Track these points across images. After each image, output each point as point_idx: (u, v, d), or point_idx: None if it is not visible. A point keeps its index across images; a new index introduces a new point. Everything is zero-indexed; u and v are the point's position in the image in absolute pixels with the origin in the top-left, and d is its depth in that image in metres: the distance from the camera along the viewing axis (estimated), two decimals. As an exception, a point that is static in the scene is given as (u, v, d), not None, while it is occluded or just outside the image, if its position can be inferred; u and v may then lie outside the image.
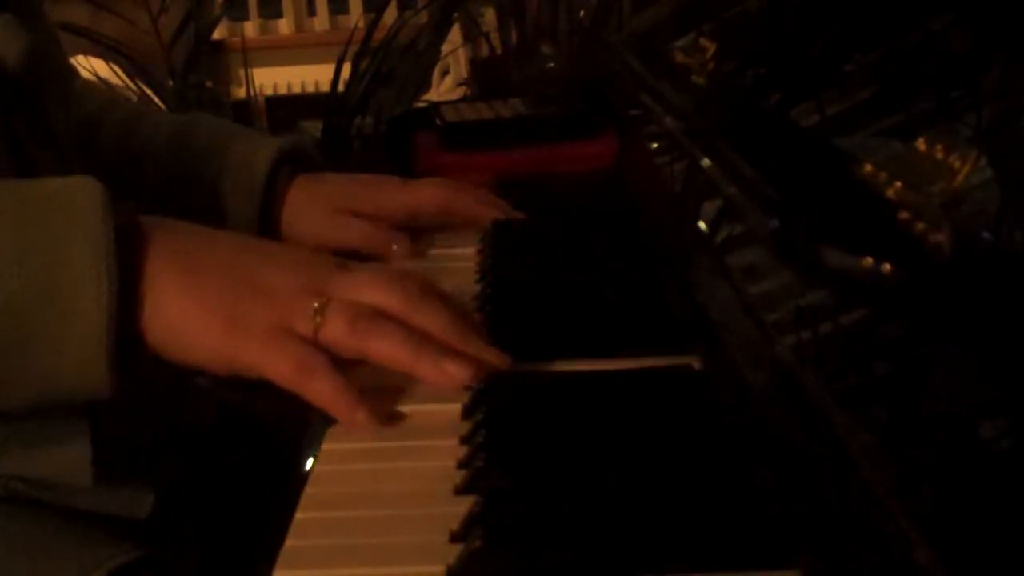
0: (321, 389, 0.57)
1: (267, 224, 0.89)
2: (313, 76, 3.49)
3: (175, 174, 0.90)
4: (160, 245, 0.60)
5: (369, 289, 0.60)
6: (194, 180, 0.89)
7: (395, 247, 0.86)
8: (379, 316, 0.59)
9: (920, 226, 0.42)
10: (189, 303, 0.59)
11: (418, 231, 0.90)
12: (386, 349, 0.58)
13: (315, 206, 0.89)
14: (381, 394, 0.59)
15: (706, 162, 0.62)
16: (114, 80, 2.44)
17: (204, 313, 0.59)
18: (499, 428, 0.55)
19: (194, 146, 0.90)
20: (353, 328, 0.58)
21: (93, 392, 0.58)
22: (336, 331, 0.58)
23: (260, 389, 0.83)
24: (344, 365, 0.58)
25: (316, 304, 0.58)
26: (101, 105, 0.95)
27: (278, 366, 0.58)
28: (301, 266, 0.61)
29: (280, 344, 0.58)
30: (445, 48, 2.75)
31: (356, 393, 0.57)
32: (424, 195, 0.90)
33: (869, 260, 0.40)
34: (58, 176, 0.70)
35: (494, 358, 0.60)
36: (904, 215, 0.44)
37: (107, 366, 0.57)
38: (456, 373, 0.58)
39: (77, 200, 0.58)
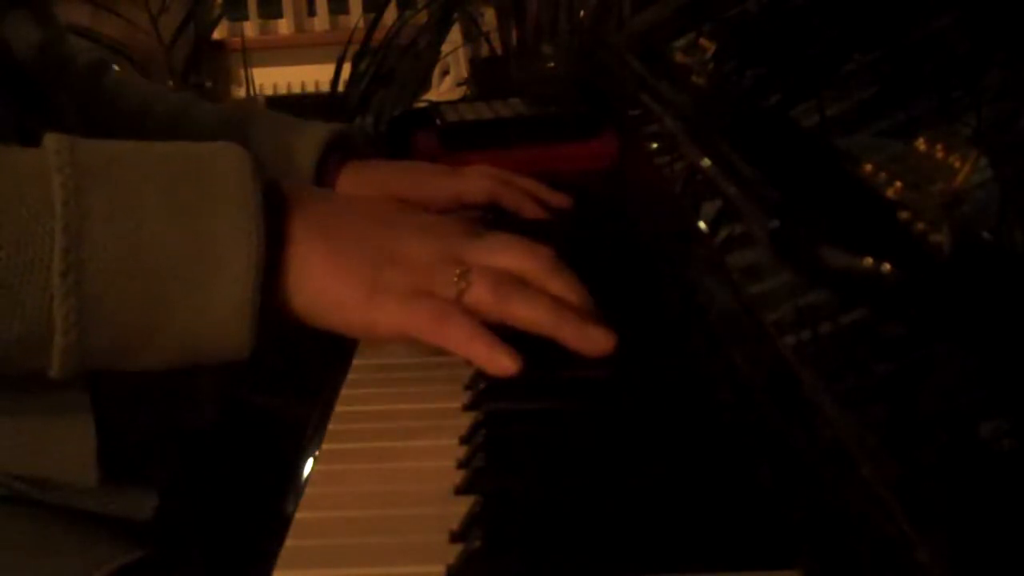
0: (458, 334, 0.58)
1: None
2: (313, 76, 3.50)
3: None
4: (302, 211, 0.60)
5: (506, 255, 0.61)
6: None
7: None
8: (520, 282, 0.60)
9: (920, 226, 0.42)
10: (333, 270, 0.60)
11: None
12: (530, 313, 0.59)
13: (365, 192, 0.89)
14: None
15: (706, 162, 0.62)
16: (114, 80, 2.44)
17: (347, 280, 0.59)
18: (499, 428, 0.55)
19: (245, 135, 0.90)
20: (497, 294, 0.59)
21: (233, 352, 0.58)
22: (480, 295, 0.59)
23: (260, 388, 0.83)
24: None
25: (459, 271, 0.59)
26: (147, 97, 0.95)
27: (416, 318, 0.59)
28: (437, 234, 0.62)
29: (420, 301, 0.59)
30: (445, 48, 2.75)
31: (497, 339, 0.58)
32: (473, 184, 0.90)
33: (869, 260, 0.40)
34: None
35: (604, 334, 0.61)
36: (904, 215, 0.44)
37: (249, 328, 0.57)
38: (599, 338, 0.59)
39: (227, 163, 0.59)
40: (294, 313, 0.60)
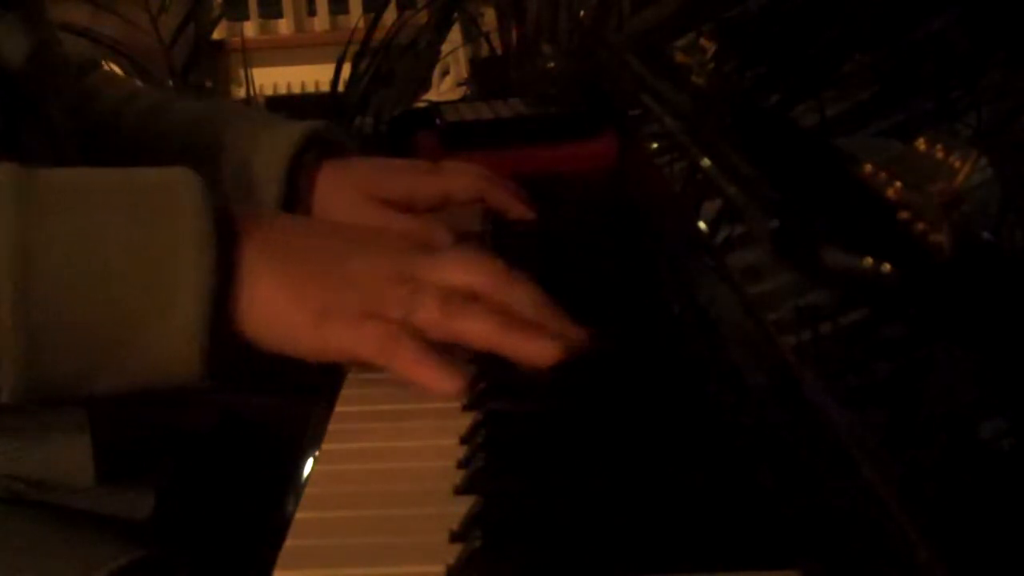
0: (407, 357, 0.58)
1: (290, 206, 0.85)
2: (313, 76, 3.49)
3: (199, 160, 0.89)
4: (253, 237, 0.60)
5: (456, 269, 0.61)
6: (217, 168, 0.87)
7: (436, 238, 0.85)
8: (469, 298, 0.60)
9: (920, 226, 0.42)
10: (284, 295, 0.60)
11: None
12: (477, 329, 0.59)
13: (345, 194, 0.86)
14: (380, 393, 0.59)
15: (706, 162, 0.62)
16: (114, 80, 2.44)
17: (298, 304, 0.59)
18: (499, 428, 0.55)
19: (217, 134, 0.88)
20: (446, 313, 0.59)
21: (185, 382, 0.59)
22: (428, 315, 0.59)
23: (260, 389, 0.83)
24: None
25: (407, 290, 0.59)
26: (123, 96, 0.95)
27: (364, 342, 0.59)
28: (388, 251, 0.62)
29: (369, 325, 0.59)
30: (445, 48, 2.75)
31: (445, 361, 0.58)
32: (459, 182, 0.88)
33: (869, 260, 0.40)
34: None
35: (576, 334, 0.60)
36: (904, 215, 0.44)
37: (201, 357, 0.57)
38: (546, 349, 0.59)
39: (179, 192, 0.59)
40: (247, 339, 0.60)
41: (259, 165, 0.85)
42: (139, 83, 2.44)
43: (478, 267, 0.61)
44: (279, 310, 0.59)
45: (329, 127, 0.90)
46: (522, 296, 0.61)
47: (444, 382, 0.58)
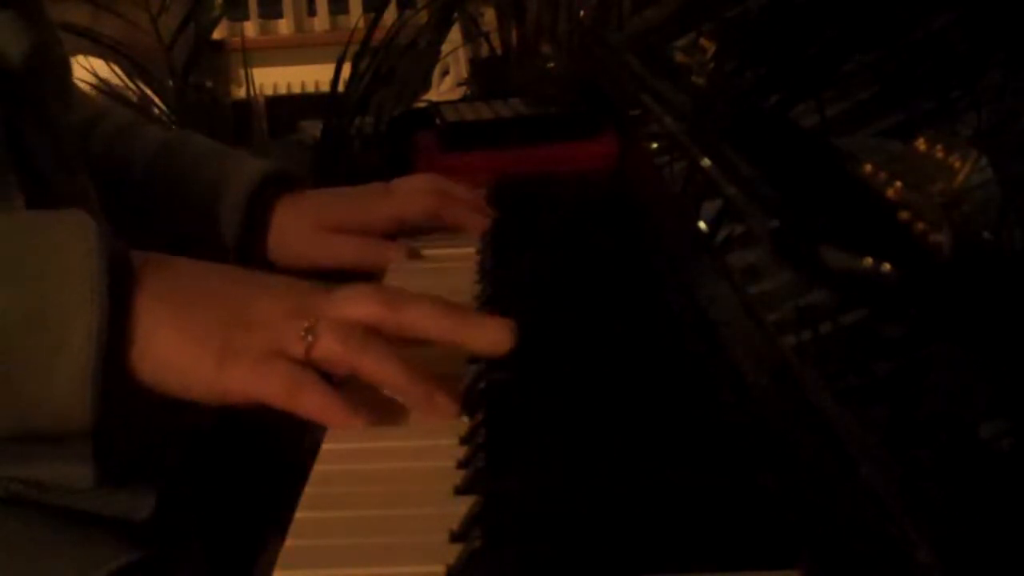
0: (312, 401, 0.57)
1: (251, 247, 0.89)
2: (313, 76, 3.49)
3: (160, 193, 0.90)
4: (151, 282, 0.60)
5: (353, 304, 0.60)
6: (178, 200, 0.90)
7: (392, 255, 0.86)
8: (371, 334, 0.59)
9: (920, 226, 0.42)
10: (179, 338, 0.59)
11: (412, 232, 0.90)
12: (379, 370, 0.58)
13: (301, 225, 0.89)
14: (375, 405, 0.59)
15: (706, 162, 0.62)
16: (114, 80, 2.44)
17: (195, 347, 0.59)
18: (499, 428, 0.55)
19: (180, 166, 0.91)
20: (346, 346, 0.58)
21: (74, 426, 0.58)
22: (328, 348, 0.58)
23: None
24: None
25: (306, 324, 0.58)
26: (91, 116, 0.95)
27: (268, 387, 0.58)
28: (288, 292, 0.61)
29: (270, 366, 0.58)
30: (445, 48, 2.75)
31: (349, 401, 0.57)
32: (410, 203, 0.89)
33: (869, 260, 0.40)
34: (60, 174, 0.70)
35: (495, 328, 0.60)
36: (904, 215, 0.44)
37: (90, 403, 0.57)
38: (444, 406, 0.58)
39: (72, 235, 0.59)
40: (144, 383, 0.60)
41: (221, 202, 0.88)
42: (140, 88, 2.45)
43: (372, 297, 0.60)
44: (178, 352, 0.59)
45: (285, 166, 0.93)
46: (422, 311, 0.60)
47: (355, 422, 0.57)
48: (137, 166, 0.91)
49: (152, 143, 0.93)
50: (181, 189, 0.89)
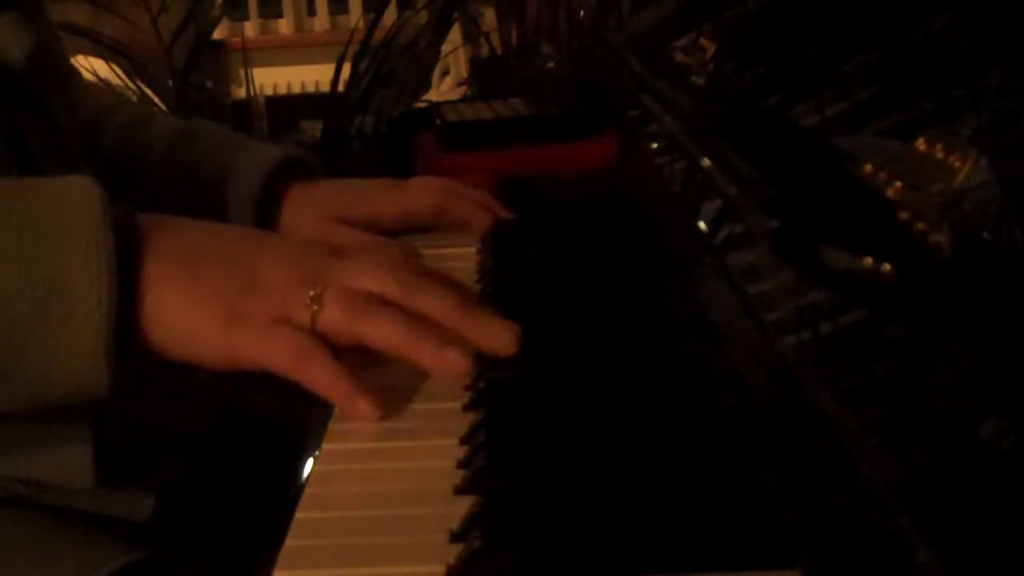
0: (319, 376, 0.57)
1: (263, 228, 0.88)
2: (313, 76, 3.50)
3: (174, 183, 0.90)
4: (157, 245, 0.60)
5: (365, 275, 0.60)
6: (192, 189, 0.89)
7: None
8: (376, 302, 0.58)
9: (920, 226, 0.42)
10: (188, 301, 0.59)
11: (416, 231, 0.90)
12: (384, 334, 0.58)
13: (309, 215, 0.89)
14: (381, 392, 0.59)
15: (706, 162, 0.62)
16: (114, 80, 2.44)
17: (203, 310, 0.58)
18: (499, 428, 0.55)
19: (194, 154, 0.90)
20: (350, 315, 0.58)
21: (90, 394, 0.58)
22: (333, 318, 0.58)
23: (260, 388, 0.83)
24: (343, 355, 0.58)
25: (312, 293, 0.58)
26: (103, 108, 0.95)
27: (276, 355, 0.57)
28: (297, 256, 0.61)
29: (277, 334, 0.58)
30: (445, 48, 2.75)
31: (356, 380, 0.57)
32: (417, 198, 0.90)
33: (869, 260, 0.40)
34: (62, 174, 0.70)
35: (502, 330, 0.60)
36: (904, 215, 0.44)
37: (105, 369, 0.57)
38: (456, 360, 0.57)
39: (75, 201, 0.58)
40: (153, 348, 0.59)
41: (234, 190, 0.87)
42: (140, 88, 2.44)
43: (387, 272, 0.60)
44: (185, 316, 0.58)
45: (302, 152, 0.93)
46: (435, 300, 0.59)
47: (360, 405, 0.56)
48: (149, 159, 0.91)
49: (164, 135, 0.92)
50: (193, 182, 0.89)
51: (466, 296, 0.61)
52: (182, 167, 0.90)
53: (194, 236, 0.62)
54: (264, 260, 0.61)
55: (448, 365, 0.58)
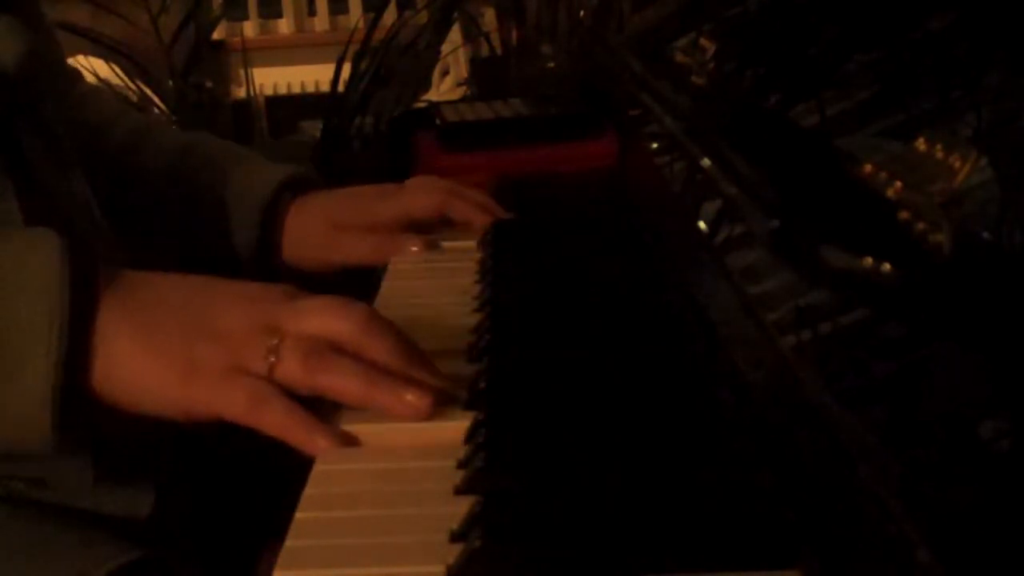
0: (274, 419, 0.57)
1: (266, 257, 0.90)
2: (313, 76, 3.49)
3: (177, 196, 0.91)
4: (114, 300, 0.60)
5: (319, 318, 0.59)
6: (196, 203, 0.90)
7: (413, 248, 0.86)
8: (332, 351, 0.58)
9: (920, 226, 0.42)
10: (143, 356, 0.59)
11: (419, 231, 0.90)
12: (340, 384, 0.57)
13: (313, 227, 0.89)
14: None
15: (706, 162, 0.62)
16: (114, 80, 2.44)
17: (159, 364, 0.58)
18: (499, 428, 0.55)
19: (198, 168, 0.91)
20: (307, 366, 0.57)
21: (35, 447, 0.58)
22: (290, 369, 0.57)
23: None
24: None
25: (269, 343, 0.58)
26: (108, 116, 0.95)
27: (232, 403, 0.57)
28: (252, 303, 0.61)
29: (234, 382, 0.57)
30: (445, 48, 2.75)
31: (312, 419, 0.57)
32: (418, 200, 0.90)
33: (869, 260, 0.40)
34: (58, 180, 0.70)
35: (443, 383, 0.59)
36: (904, 215, 0.44)
37: (51, 423, 0.57)
38: (415, 402, 0.57)
39: (36, 250, 0.59)
40: (110, 402, 0.59)
41: (237, 212, 0.89)
42: (140, 88, 2.44)
43: (341, 315, 0.59)
44: (138, 368, 0.58)
45: (305, 171, 0.94)
46: (385, 346, 0.59)
47: (316, 441, 0.56)
48: (152, 174, 0.91)
49: (168, 148, 0.93)
50: (195, 202, 0.90)
51: (412, 346, 0.60)
52: (185, 182, 0.91)
53: (151, 290, 0.62)
54: (219, 309, 0.60)
55: (408, 408, 0.57)
